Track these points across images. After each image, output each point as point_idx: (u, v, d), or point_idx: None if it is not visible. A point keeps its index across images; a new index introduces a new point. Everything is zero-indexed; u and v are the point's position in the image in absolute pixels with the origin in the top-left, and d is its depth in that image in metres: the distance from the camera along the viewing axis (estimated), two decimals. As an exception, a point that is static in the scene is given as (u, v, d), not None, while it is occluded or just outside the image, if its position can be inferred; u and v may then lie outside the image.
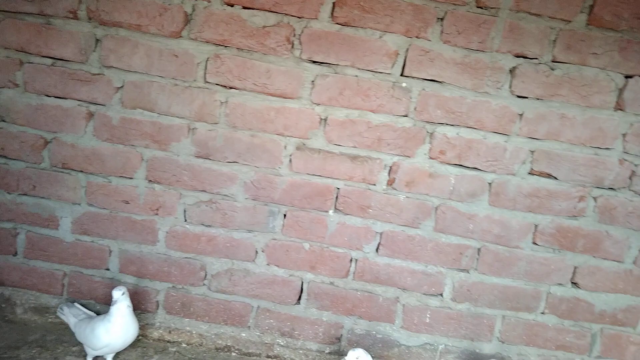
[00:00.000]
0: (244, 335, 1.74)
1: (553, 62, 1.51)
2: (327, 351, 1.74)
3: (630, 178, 1.59)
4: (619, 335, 1.73)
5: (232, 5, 1.48)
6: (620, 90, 1.53)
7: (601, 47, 1.49)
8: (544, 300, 1.71)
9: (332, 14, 1.49)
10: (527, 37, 1.49)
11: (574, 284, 1.69)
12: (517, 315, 1.72)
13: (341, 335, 1.74)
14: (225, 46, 1.51)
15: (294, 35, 1.50)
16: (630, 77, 1.52)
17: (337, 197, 1.63)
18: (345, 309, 1.72)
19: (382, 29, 1.50)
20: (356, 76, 1.54)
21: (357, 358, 1.43)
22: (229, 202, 1.64)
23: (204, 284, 1.71)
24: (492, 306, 1.71)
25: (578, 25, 1.48)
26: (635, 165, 1.58)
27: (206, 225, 1.66)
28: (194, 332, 1.74)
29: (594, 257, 1.67)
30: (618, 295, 1.70)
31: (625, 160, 1.58)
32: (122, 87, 1.54)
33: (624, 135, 1.56)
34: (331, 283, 1.71)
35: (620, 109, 1.54)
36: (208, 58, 1.52)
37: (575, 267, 1.67)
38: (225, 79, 1.53)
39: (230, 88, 1.54)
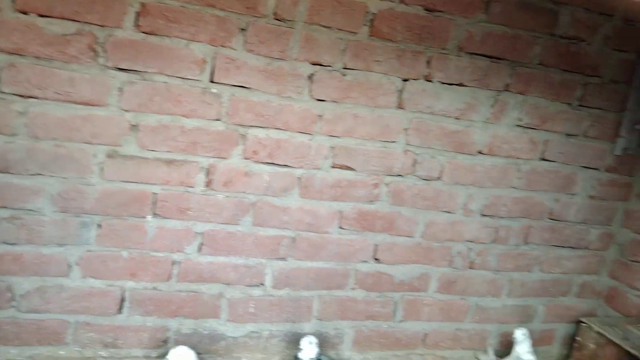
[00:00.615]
0: (62, 353, 1.93)
1: (344, 68, 1.98)
2: (154, 355, 2.03)
3: (413, 165, 2.17)
4: (415, 300, 2.34)
5: (26, 13, 1.63)
6: (400, 92, 2.07)
7: (382, 55, 2.01)
8: (353, 277, 2.22)
9: (136, 23, 1.74)
10: (321, 46, 1.93)
11: (376, 259, 2.23)
12: (331, 294, 2.21)
13: (167, 337, 2.04)
14: (21, 55, 1.66)
15: (97, 43, 1.72)
16: (407, 80, 2.07)
17: (155, 202, 1.91)
18: (170, 311, 2.02)
19: (188, 38, 1.79)
20: (166, 82, 1.82)
21: (179, 356, 1.75)
22: (34, 216, 1.80)
23: (12, 306, 1.84)
24: (309, 288, 2.17)
25: (362, 37, 1.97)
26: (416, 154, 2.16)
27: (10, 244, 1.80)
28: (2, 358, 1.87)
29: (390, 234, 2.22)
30: (412, 266, 2.30)
31: (408, 150, 2.15)
32: None
33: (405, 129, 2.12)
34: (154, 288, 1.99)
35: (401, 108, 2.09)
36: (2, 67, 1.65)
37: (376, 245, 2.22)
38: (23, 89, 1.68)
39: (30, 97, 1.69)
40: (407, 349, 2.36)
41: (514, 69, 2.14)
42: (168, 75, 1.79)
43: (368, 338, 2.29)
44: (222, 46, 1.81)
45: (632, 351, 1.93)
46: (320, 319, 2.19)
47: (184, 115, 1.83)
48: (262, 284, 2.08)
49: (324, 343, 2.21)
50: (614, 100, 2.32)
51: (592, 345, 2.15)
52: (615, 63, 2.27)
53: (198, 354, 2.01)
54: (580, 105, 2.27)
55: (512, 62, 2.13)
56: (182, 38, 1.77)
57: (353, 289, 2.21)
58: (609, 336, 2.06)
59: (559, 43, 2.17)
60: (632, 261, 2.42)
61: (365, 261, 2.19)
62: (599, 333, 2.12)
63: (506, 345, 2.32)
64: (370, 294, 2.24)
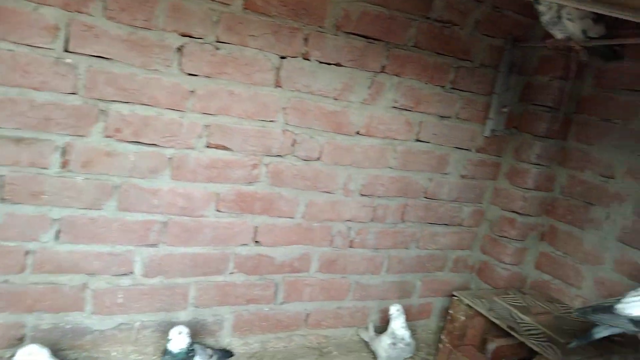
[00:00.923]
0: None
1: (217, 42, 1.85)
2: (7, 355, 1.80)
3: (292, 145, 2.10)
4: (297, 280, 2.30)
5: None
6: (278, 70, 1.98)
7: (257, 29, 1.90)
8: (232, 261, 2.13)
9: (-31, -21, 1.49)
10: (192, 17, 1.79)
11: (256, 242, 2.15)
12: (209, 279, 2.10)
13: (24, 334, 1.82)
14: None
15: None
16: (284, 57, 1.98)
17: (2, 186, 1.68)
18: (26, 306, 1.80)
19: (36, 1, 1.57)
20: (11, 51, 1.59)
21: (29, 354, 1.55)
22: None
23: None
24: (184, 275, 2.04)
25: (236, 9, 1.85)
26: (295, 134, 2.09)
27: None
28: None
29: (270, 216, 2.15)
30: (293, 247, 2.24)
31: (287, 130, 2.07)
32: None
33: (284, 109, 2.04)
34: (5, 281, 1.76)
35: (279, 86, 2.00)
36: None
37: (256, 227, 2.13)
38: None
39: None
40: (289, 330, 2.32)
41: (389, 51, 2.14)
42: (14, 43, 1.57)
43: (249, 322, 2.22)
44: (78, 12, 1.62)
45: (496, 321, 2.02)
46: (197, 306, 2.08)
47: (33, 88, 1.62)
48: (131, 273, 1.93)
49: (202, 331, 2.11)
50: (483, 84, 2.40)
51: (462, 317, 2.23)
52: (485, 48, 2.35)
53: (61, 350, 1.83)
54: (453, 88, 2.33)
55: (387, 44, 2.13)
56: (30, 1, 1.55)
57: (232, 273, 2.12)
58: (476, 308, 2.14)
59: (434, 26, 2.20)
60: (500, 236, 2.55)
61: (244, 244, 2.11)
62: (468, 305, 2.20)
63: (387, 321, 2.34)
64: (250, 278, 2.16)
